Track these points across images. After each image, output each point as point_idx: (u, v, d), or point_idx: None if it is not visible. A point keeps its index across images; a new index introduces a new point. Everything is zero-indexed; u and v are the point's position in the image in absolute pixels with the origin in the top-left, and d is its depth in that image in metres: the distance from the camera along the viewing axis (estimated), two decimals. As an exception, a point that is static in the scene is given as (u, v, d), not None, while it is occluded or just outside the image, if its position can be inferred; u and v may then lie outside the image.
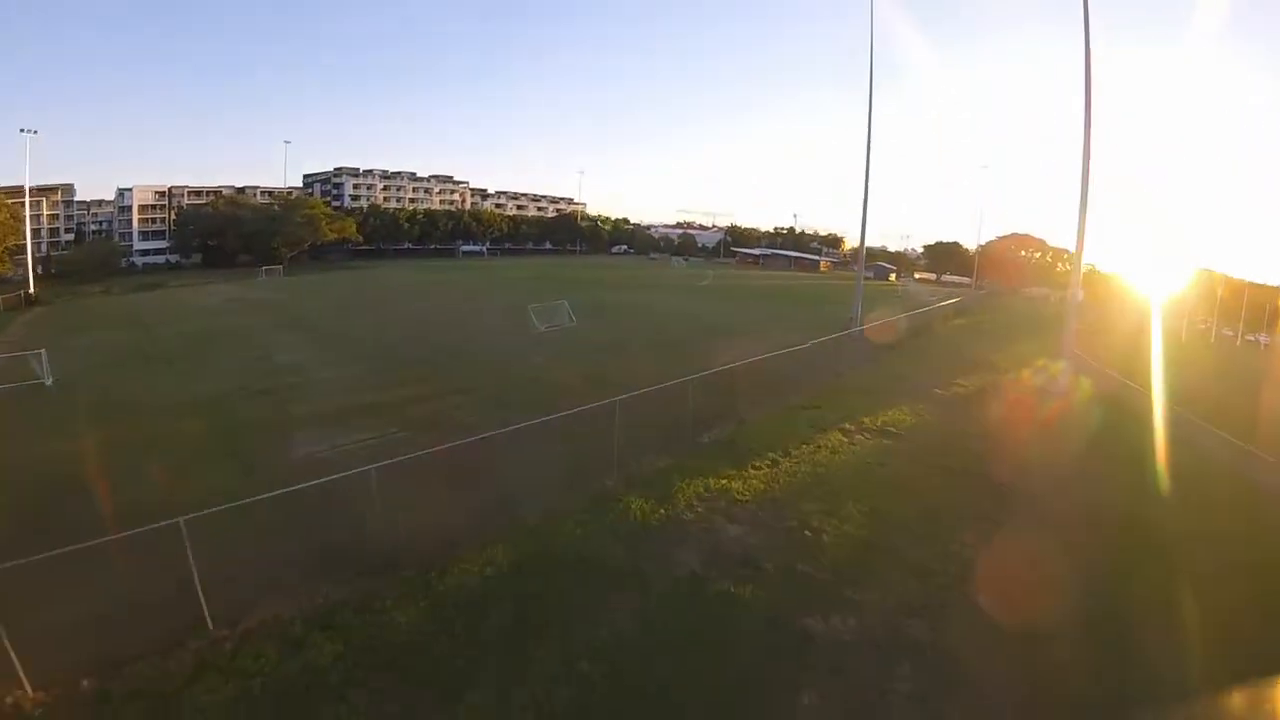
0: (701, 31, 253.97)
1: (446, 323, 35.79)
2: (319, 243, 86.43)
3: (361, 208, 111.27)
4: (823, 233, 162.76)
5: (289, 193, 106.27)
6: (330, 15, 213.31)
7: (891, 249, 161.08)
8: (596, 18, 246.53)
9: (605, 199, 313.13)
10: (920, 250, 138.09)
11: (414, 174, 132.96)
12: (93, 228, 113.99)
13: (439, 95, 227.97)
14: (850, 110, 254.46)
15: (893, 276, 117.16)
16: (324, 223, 79.24)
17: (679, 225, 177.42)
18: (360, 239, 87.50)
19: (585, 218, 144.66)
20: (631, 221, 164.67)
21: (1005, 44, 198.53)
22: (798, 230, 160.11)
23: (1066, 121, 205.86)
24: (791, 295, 59.07)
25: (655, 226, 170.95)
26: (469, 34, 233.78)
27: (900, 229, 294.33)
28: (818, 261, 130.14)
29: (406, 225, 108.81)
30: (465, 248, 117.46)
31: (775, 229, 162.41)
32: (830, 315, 37.98)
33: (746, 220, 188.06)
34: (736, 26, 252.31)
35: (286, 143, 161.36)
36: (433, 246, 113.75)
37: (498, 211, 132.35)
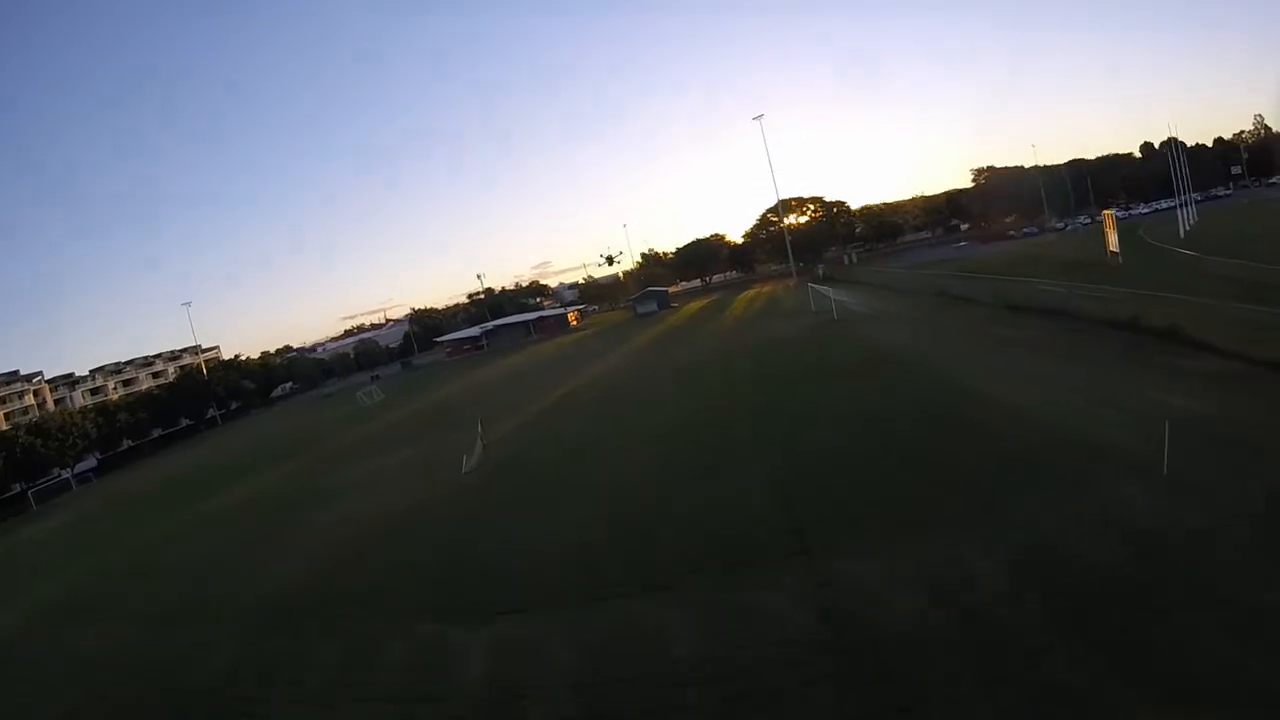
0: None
1: None
2: None
3: None
4: (524, 285, 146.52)
5: None
6: None
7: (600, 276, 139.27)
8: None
9: (250, 332, 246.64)
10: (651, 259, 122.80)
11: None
12: None
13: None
14: (487, 141, 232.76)
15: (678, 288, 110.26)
16: None
17: (350, 333, 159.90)
18: None
19: (223, 366, 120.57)
20: (293, 347, 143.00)
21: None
22: (495, 290, 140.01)
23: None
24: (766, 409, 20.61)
25: (322, 345, 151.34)
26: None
27: (601, 252, 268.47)
28: (565, 316, 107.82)
29: (-84, 489, 75.78)
30: (65, 474, 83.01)
31: (469, 296, 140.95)
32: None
33: (424, 301, 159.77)
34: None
35: None
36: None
37: (84, 406, 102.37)
